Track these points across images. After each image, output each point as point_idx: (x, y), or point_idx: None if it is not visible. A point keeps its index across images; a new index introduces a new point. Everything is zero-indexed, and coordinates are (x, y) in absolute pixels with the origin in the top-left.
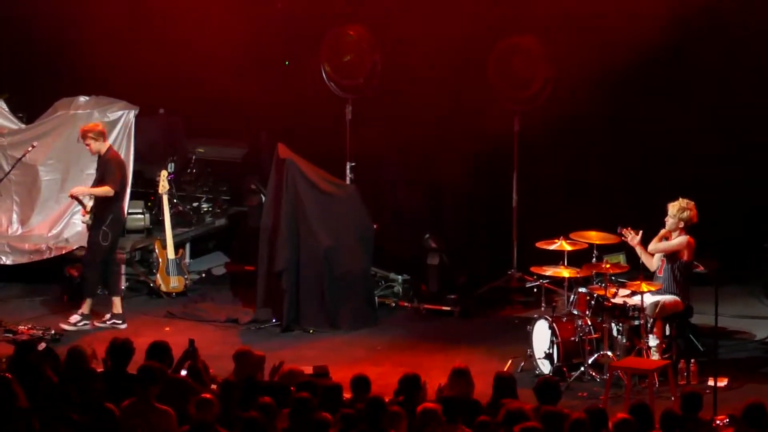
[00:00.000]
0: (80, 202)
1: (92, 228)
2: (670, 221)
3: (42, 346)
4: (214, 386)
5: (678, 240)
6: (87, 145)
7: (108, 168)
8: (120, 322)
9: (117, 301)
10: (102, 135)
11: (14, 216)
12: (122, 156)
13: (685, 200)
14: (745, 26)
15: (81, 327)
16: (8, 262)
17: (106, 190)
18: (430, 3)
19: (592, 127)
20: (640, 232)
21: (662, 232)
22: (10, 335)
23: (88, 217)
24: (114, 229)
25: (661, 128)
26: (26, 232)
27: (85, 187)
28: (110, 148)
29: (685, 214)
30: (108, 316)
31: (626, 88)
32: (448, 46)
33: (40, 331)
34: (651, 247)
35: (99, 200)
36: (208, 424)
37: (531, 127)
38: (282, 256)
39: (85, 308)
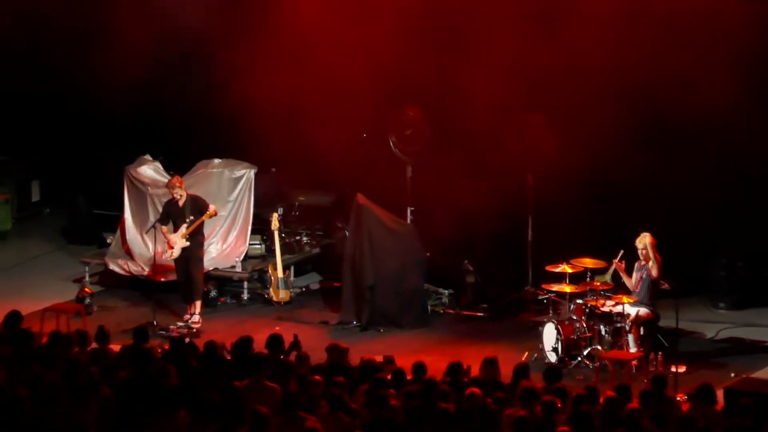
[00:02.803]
0: (168, 241)
1: (191, 248)
2: (640, 250)
3: (187, 340)
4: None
5: (653, 264)
6: (174, 193)
7: (199, 202)
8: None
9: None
10: (182, 183)
11: (165, 246)
12: (245, 203)
13: (646, 233)
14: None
15: (198, 325)
16: (163, 279)
17: (215, 208)
18: (465, 86)
19: (587, 179)
20: (624, 261)
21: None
22: (164, 332)
23: (173, 251)
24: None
25: (637, 180)
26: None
27: (185, 230)
28: (187, 192)
29: (646, 240)
30: (187, 317)
31: (615, 147)
32: (480, 120)
33: (185, 329)
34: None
35: (199, 226)
36: (315, 397)
37: (543, 179)
38: (369, 275)
39: (198, 309)
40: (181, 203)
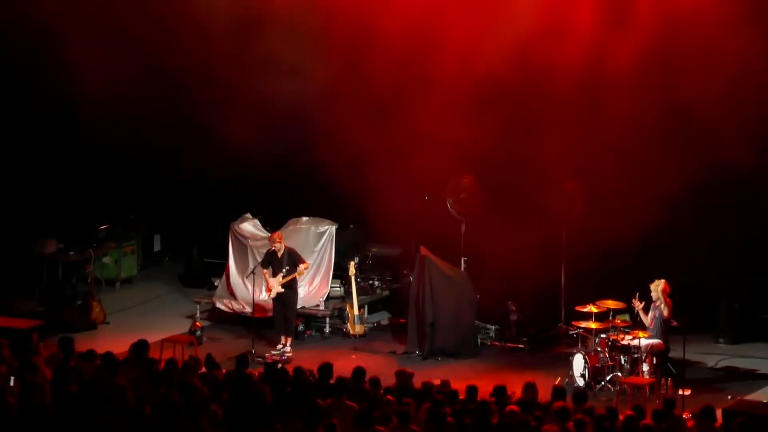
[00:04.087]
0: (267, 284)
1: (287, 294)
2: (653, 294)
3: (279, 366)
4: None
5: (664, 306)
6: (274, 247)
7: (294, 255)
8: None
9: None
10: (281, 239)
11: (263, 288)
12: (327, 253)
13: (660, 280)
14: None
15: (290, 355)
16: (259, 316)
17: (307, 266)
18: (514, 158)
19: (610, 236)
20: (643, 302)
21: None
22: (261, 359)
23: (270, 293)
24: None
25: (653, 237)
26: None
27: (281, 278)
28: (285, 245)
29: (660, 287)
30: (279, 346)
31: (633, 210)
32: (524, 187)
33: (278, 356)
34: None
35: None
36: (388, 414)
37: (574, 234)
38: (430, 313)
39: (290, 342)
40: (279, 254)
